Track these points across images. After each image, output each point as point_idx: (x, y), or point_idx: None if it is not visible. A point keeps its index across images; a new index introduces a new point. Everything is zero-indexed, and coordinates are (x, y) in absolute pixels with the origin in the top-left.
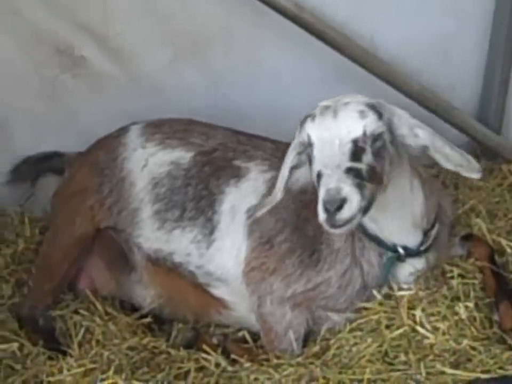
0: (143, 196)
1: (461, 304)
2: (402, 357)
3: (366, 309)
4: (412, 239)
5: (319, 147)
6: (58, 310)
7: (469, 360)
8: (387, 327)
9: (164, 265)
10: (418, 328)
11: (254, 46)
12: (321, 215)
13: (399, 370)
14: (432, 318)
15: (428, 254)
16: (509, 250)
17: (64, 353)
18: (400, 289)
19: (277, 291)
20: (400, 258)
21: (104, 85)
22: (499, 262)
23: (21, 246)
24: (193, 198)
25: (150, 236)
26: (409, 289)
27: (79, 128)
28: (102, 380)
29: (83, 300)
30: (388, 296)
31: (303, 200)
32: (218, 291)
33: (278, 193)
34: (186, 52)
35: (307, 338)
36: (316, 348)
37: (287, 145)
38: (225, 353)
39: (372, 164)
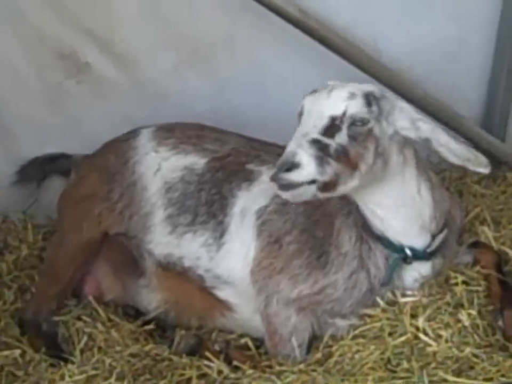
0: (155, 200)
1: (463, 312)
2: (405, 365)
3: (369, 316)
4: (419, 240)
5: (304, 117)
6: (61, 316)
7: (472, 367)
8: (390, 334)
9: (173, 270)
10: (421, 335)
11: (258, 51)
12: (271, 174)
13: (401, 378)
14: (435, 326)
15: (435, 259)
16: None
17: (66, 360)
18: (404, 295)
19: (284, 290)
20: (406, 261)
21: (108, 91)
22: (505, 270)
23: (24, 252)
24: (206, 202)
25: (161, 240)
26: (412, 295)
27: (83, 133)
28: None
29: (86, 306)
30: (391, 303)
31: (313, 202)
32: (223, 293)
33: None
34: (190, 58)
35: (310, 345)
36: (319, 355)
37: None
38: (228, 360)
39: (345, 145)
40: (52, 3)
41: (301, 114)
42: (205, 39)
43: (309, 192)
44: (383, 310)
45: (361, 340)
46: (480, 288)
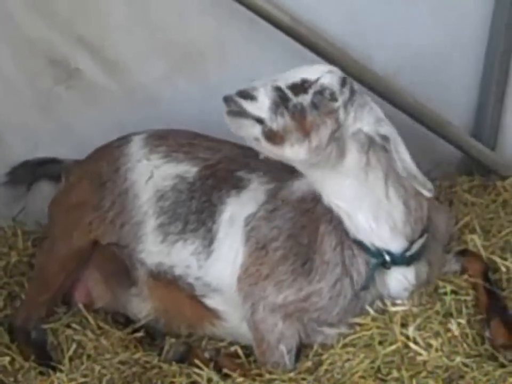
0: (147, 208)
1: (453, 321)
2: (395, 374)
3: (359, 324)
4: (393, 244)
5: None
6: (50, 323)
7: (462, 377)
8: (380, 343)
9: (164, 279)
10: (411, 344)
11: (248, 57)
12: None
13: None
14: (425, 335)
15: (418, 265)
16: (503, 268)
17: (55, 369)
18: (394, 304)
19: (269, 296)
20: (385, 265)
21: (98, 97)
22: (493, 279)
23: (13, 258)
24: (196, 210)
25: (153, 249)
26: (402, 304)
27: (73, 139)
28: None
29: (75, 314)
30: (381, 312)
31: (301, 208)
32: (212, 301)
33: None
34: (180, 64)
35: (299, 353)
36: (308, 363)
37: None
38: (217, 368)
39: (305, 107)
40: (42, 9)
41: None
42: (195, 45)
43: (253, 130)
44: (373, 319)
45: (351, 349)
46: (468, 298)
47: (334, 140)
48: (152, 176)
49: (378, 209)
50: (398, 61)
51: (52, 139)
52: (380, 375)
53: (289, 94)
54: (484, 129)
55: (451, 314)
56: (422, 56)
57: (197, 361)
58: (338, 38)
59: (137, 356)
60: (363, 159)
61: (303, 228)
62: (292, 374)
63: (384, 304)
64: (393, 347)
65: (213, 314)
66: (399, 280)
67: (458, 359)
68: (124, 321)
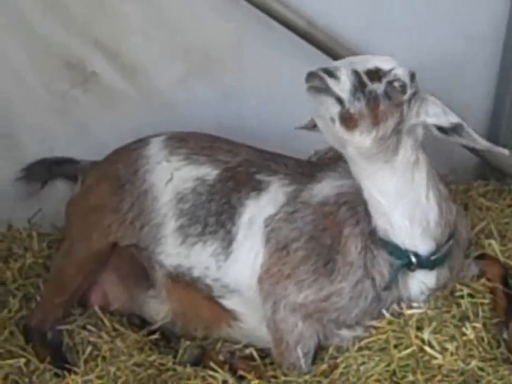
0: (166, 210)
1: (468, 325)
2: (410, 377)
3: (375, 327)
4: (422, 246)
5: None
6: (66, 325)
7: (477, 381)
8: (395, 346)
9: (182, 281)
10: (427, 348)
11: (265, 62)
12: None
13: None
14: (440, 338)
15: (440, 270)
16: None
17: (70, 370)
18: (410, 307)
19: (290, 295)
20: (410, 268)
21: (115, 100)
22: (511, 283)
23: (29, 260)
24: (216, 212)
25: (172, 251)
26: (418, 307)
27: (89, 143)
28: None
29: (91, 316)
30: (397, 315)
31: (322, 211)
32: (230, 302)
33: None
34: (198, 68)
35: (316, 355)
36: (324, 366)
37: (309, 162)
38: (232, 370)
39: (378, 94)
40: (59, 13)
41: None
42: (213, 49)
43: (332, 109)
44: (389, 322)
45: (366, 352)
46: (485, 301)
47: (395, 132)
48: (172, 178)
49: (416, 209)
50: (414, 67)
51: (68, 142)
52: (395, 379)
53: (365, 79)
54: (499, 134)
55: (467, 318)
56: (439, 62)
57: (211, 364)
58: (355, 44)
59: (152, 358)
60: (413, 156)
61: (324, 230)
62: (307, 377)
63: (400, 307)
64: (408, 351)
65: (230, 315)
66: (420, 283)
67: (473, 362)
68: (139, 323)
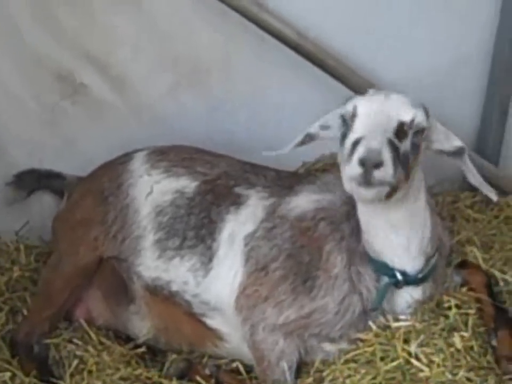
0: (146, 223)
1: (456, 334)
2: None
3: (361, 340)
4: (413, 264)
5: (363, 117)
6: (52, 338)
7: None
8: (382, 359)
9: (161, 294)
10: (413, 360)
11: (255, 73)
12: (356, 170)
13: None
14: (427, 351)
15: (426, 283)
16: (501, 283)
17: None
18: (397, 320)
19: (269, 318)
20: (397, 285)
21: (104, 112)
22: (494, 291)
23: (16, 273)
24: (195, 226)
25: (150, 264)
26: (405, 320)
27: (78, 155)
28: None
29: (77, 329)
30: (383, 328)
31: (300, 227)
32: (213, 321)
33: (290, 146)
34: (187, 80)
35: (300, 370)
36: (309, 380)
37: (290, 173)
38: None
39: (408, 153)
40: (48, 25)
41: (354, 115)
42: (202, 61)
43: (383, 193)
44: (376, 335)
45: (352, 365)
46: (472, 311)
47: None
48: (151, 191)
49: (417, 231)
50: (403, 78)
51: (57, 154)
52: None
53: (397, 143)
54: (487, 145)
55: (455, 329)
56: (427, 76)
57: (197, 378)
58: (344, 56)
59: (138, 371)
60: (421, 182)
61: (302, 247)
62: None
63: (387, 319)
64: (394, 363)
65: (214, 334)
66: (406, 297)
67: (461, 373)
68: (125, 337)
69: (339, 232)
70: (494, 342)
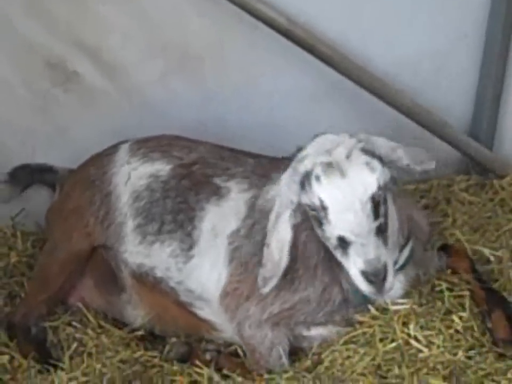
0: (126, 210)
1: (454, 316)
2: (396, 371)
3: (360, 322)
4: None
5: (336, 210)
6: (51, 322)
7: (464, 372)
8: (381, 340)
9: (148, 282)
10: (412, 341)
11: (246, 60)
12: (367, 288)
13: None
14: (427, 332)
15: (407, 268)
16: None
17: (55, 366)
18: (395, 303)
19: (254, 315)
20: None
21: (96, 100)
22: (480, 270)
23: (13, 259)
24: (172, 210)
25: (133, 250)
26: (404, 303)
27: (70, 142)
28: None
29: (75, 313)
30: (382, 311)
31: None
32: (203, 312)
33: (283, 259)
34: (179, 67)
35: (296, 353)
36: (308, 362)
37: (269, 160)
38: (218, 368)
39: (386, 209)
40: (39, 12)
41: (324, 208)
42: (193, 48)
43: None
44: (374, 317)
45: (351, 346)
46: (466, 292)
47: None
48: (130, 177)
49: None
50: (397, 63)
51: (49, 141)
52: (380, 372)
53: (380, 220)
54: (481, 129)
55: (451, 311)
56: (421, 57)
57: (197, 363)
58: (337, 41)
59: (138, 354)
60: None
61: None
62: (290, 373)
63: (385, 302)
64: (394, 344)
65: (207, 324)
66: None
67: (460, 353)
68: (122, 324)
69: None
70: (489, 324)
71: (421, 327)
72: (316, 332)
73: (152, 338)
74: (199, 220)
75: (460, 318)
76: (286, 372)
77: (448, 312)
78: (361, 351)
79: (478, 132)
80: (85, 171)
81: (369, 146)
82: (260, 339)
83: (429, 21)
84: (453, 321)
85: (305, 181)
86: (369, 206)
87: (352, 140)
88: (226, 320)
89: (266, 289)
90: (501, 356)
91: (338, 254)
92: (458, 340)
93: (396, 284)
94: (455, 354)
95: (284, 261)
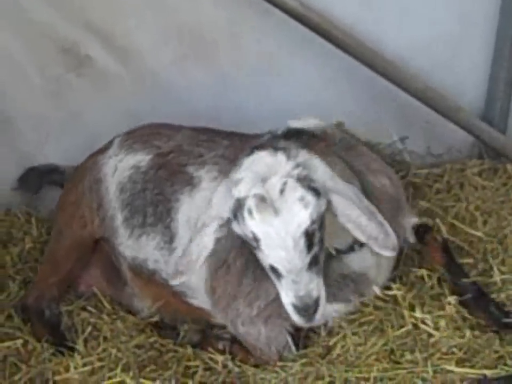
0: (114, 202)
1: (450, 298)
2: (408, 356)
3: (361, 311)
4: (340, 241)
5: (268, 245)
6: (65, 306)
7: (474, 356)
8: (390, 326)
9: (143, 274)
10: (422, 325)
11: (261, 45)
12: (297, 319)
13: (405, 368)
14: (433, 315)
15: None
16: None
17: (70, 349)
18: (389, 289)
19: (243, 312)
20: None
21: (109, 84)
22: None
23: (28, 245)
24: (151, 202)
25: (125, 243)
26: (397, 289)
27: (84, 126)
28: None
29: (90, 298)
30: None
31: None
32: (196, 301)
33: (198, 262)
34: (192, 51)
35: (308, 336)
36: (320, 350)
37: (242, 139)
38: (231, 357)
39: (321, 235)
40: None
41: (256, 239)
42: (208, 33)
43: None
44: (376, 307)
45: (361, 333)
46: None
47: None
48: (116, 169)
49: None
50: (410, 48)
51: (63, 126)
52: (393, 358)
53: (313, 252)
54: (494, 114)
55: (442, 294)
56: (434, 43)
57: (211, 350)
58: (351, 26)
59: (152, 339)
60: None
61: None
62: (303, 360)
63: (383, 292)
64: (404, 329)
65: (204, 312)
66: (358, 261)
67: (468, 333)
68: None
69: None
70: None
71: (429, 312)
72: None
73: (164, 326)
74: (175, 211)
75: (449, 303)
76: (301, 357)
77: (440, 295)
78: (372, 337)
79: (491, 116)
80: (83, 165)
81: (306, 173)
82: (255, 335)
83: (443, 4)
84: (443, 306)
85: (237, 211)
86: (302, 241)
87: (289, 165)
88: (220, 318)
89: (174, 282)
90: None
91: (272, 276)
92: (456, 321)
93: (367, 254)
94: (463, 336)
95: (199, 264)
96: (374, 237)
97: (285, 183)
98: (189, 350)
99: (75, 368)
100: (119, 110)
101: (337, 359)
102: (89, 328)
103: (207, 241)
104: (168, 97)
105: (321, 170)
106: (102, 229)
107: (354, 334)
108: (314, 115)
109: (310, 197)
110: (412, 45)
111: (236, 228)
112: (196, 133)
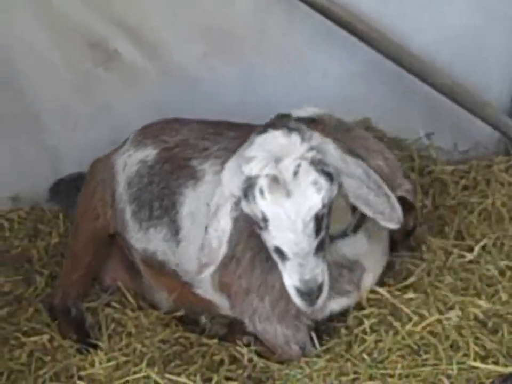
0: (124, 197)
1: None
2: (432, 352)
3: (371, 305)
4: (333, 226)
5: (277, 226)
6: (89, 303)
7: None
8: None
9: (154, 266)
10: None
11: (287, 40)
12: (299, 302)
13: (430, 365)
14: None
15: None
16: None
17: (93, 346)
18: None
19: (259, 308)
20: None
21: (137, 78)
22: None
23: (54, 239)
24: (158, 196)
25: (135, 236)
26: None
27: (111, 121)
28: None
29: (114, 293)
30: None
31: None
32: (202, 291)
33: (221, 249)
34: (220, 47)
35: (328, 332)
36: (342, 346)
37: (249, 130)
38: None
39: (328, 221)
40: None
41: (264, 220)
42: (235, 27)
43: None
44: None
45: (377, 330)
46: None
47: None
48: (126, 164)
49: None
50: (436, 42)
51: (90, 120)
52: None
53: (321, 237)
54: None
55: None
56: (460, 38)
57: (238, 342)
58: (376, 20)
59: (177, 334)
60: None
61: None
62: (328, 356)
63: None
64: (424, 324)
65: (213, 304)
66: (350, 247)
67: (477, 311)
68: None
69: None
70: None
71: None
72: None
73: (189, 320)
74: (180, 205)
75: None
76: (325, 352)
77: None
78: (390, 333)
79: None
80: (99, 163)
81: (320, 157)
82: (272, 333)
83: None
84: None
85: (248, 190)
86: (311, 225)
87: (303, 148)
88: (239, 316)
89: (202, 275)
90: None
91: (275, 257)
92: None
93: (360, 240)
94: (470, 319)
95: (223, 250)
96: (380, 211)
97: (298, 165)
98: (214, 344)
99: (100, 363)
100: (146, 104)
101: (360, 356)
102: (112, 325)
103: (224, 224)
104: (195, 92)
105: (333, 154)
106: (114, 222)
107: (373, 331)
108: (313, 104)
109: (323, 181)
110: (436, 38)
111: (245, 206)
112: (204, 126)
